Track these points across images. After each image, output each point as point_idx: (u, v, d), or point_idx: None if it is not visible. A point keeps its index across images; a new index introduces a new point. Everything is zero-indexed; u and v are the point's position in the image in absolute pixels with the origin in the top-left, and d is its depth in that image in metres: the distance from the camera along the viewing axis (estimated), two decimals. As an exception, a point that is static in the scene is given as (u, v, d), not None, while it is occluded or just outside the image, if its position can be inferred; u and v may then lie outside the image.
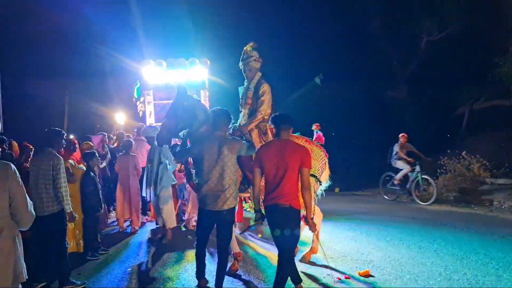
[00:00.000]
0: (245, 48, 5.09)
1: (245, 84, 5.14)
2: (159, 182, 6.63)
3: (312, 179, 4.56)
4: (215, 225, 4.12)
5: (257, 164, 3.83)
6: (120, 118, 13.90)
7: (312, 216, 3.90)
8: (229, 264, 4.69)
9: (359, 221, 8.08)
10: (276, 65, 16.68)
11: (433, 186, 9.89)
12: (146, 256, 5.97)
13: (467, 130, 15.62)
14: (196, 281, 4.49)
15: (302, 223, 4.02)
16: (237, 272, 4.92)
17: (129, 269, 5.31)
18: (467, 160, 11.27)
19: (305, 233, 5.13)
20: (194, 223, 7.12)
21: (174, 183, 7.03)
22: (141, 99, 10.40)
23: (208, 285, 4.26)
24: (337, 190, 12.22)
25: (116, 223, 8.12)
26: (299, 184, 3.71)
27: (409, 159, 10.37)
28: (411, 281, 4.50)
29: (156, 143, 4.92)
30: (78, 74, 19.22)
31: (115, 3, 18.79)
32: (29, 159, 5.25)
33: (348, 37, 17.97)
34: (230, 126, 4.55)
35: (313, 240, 5.28)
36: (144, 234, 7.44)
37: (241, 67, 5.10)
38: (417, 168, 10.20)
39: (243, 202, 5.64)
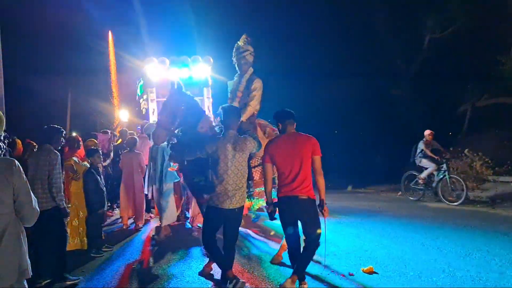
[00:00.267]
0: (239, 41, 5.05)
1: (236, 78, 5.09)
2: (163, 180, 6.65)
3: None
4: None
5: (268, 159, 3.99)
6: (123, 115, 13.95)
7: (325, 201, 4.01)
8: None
9: (362, 218, 8.10)
10: (279, 62, 16.71)
11: (463, 186, 9.33)
12: (150, 253, 5.98)
13: (470, 128, 15.60)
14: (201, 278, 4.57)
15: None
16: (239, 270, 4.93)
17: (133, 266, 5.32)
18: (469, 157, 11.27)
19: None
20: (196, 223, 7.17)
21: (177, 180, 7.05)
22: (144, 97, 10.42)
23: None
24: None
25: (119, 220, 8.15)
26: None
27: (436, 157, 9.87)
28: (415, 278, 4.52)
29: (152, 141, 4.91)
30: (81, 71, 19.25)
31: (119, 1, 18.80)
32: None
33: (352, 35, 17.95)
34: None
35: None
36: (148, 231, 7.46)
37: (235, 60, 5.05)
38: (444, 166, 9.72)
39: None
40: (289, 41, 18.56)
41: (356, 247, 5.85)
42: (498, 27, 14.32)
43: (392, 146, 16.84)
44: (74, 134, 7.58)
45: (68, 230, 5.88)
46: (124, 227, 7.70)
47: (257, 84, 4.93)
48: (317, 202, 3.99)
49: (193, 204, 7.37)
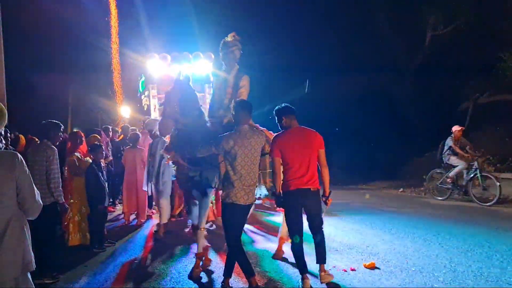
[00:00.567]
0: (227, 38, 5.01)
1: (223, 73, 5.03)
2: (161, 176, 6.64)
3: None
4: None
5: (278, 153, 4.10)
6: (125, 111, 13.96)
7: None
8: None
9: (364, 214, 8.13)
10: (281, 58, 16.70)
11: (496, 185, 8.70)
12: (152, 249, 5.99)
13: (472, 125, 15.56)
14: (203, 274, 4.58)
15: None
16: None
17: (135, 262, 5.35)
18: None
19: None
20: None
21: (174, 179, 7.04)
22: (146, 93, 10.41)
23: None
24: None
25: (121, 216, 8.18)
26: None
27: (466, 154, 9.31)
28: (416, 273, 4.53)
29: (158, 133, 4.85)
30: (83, 68, 19.25)
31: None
32: None
33: (353, 31, 17.91)
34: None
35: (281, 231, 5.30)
36: (150, 227, 7.48)
37: (222, 55, 5.00)
38: (475, 164, 9.22)
39: None
40: (291, 37, 18.54)
41: (358, 243, 5.87)
42: (500, 23, 14.27)
43: (393, 143, 16.84)
44: (75, 130, 7.58)
45: (70, 226, 5.92)
46: (126, 223, 7.73)
47: (245, 80, 4.91)
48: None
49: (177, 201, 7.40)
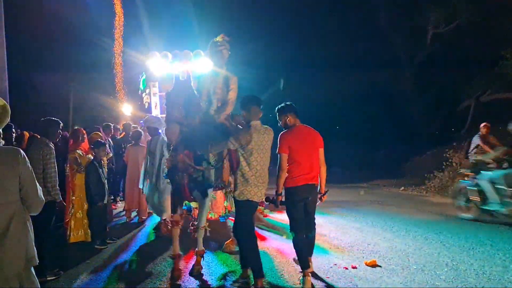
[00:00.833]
0: (217, 38, 4.93)
1: (211, 73, 4.89)
2: (161, 175, 6.61)
3: None
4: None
5: (287, 149, 4.15)
6: (126, 109, 13.98)
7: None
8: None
9: (365, 212, 8.12)
10: (282, 56, 16.68)
11: None
12: (153, 246, 5.99)
13: (473, 123, 15.53)
14: (204, 271, 4.58)
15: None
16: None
17: (137, 259, 5.35)
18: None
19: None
20: None
21: None
22: (147, 91, 10.40)
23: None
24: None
25: (122, 213, 8.18)
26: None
27: (495, 154, 8.31)
28: (418, 271, 4.53)
29: (164, 137, 4.73)
30: (84, 66, 19.26)
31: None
32: None
33: (354, 29, 17.89)
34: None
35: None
36: (151, 224, 7.48)
37: (210, 55, 4.85)
38: (505, 164, 8.12)
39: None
40: (292, 35, 18.52)
41: (359, 241, 5.87)
42: (502, 21, 14.22)
43: (394, 141, 16.83)
44: (76, 127, 7.58)
45: (72, 222, 5.92)
46: (127, 220, 7.73)
47: (234, 80, 4.88)
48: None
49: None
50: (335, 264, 4.78)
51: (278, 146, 4.20)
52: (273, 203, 4.18)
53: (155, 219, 7.86)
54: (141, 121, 9.79)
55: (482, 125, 8.88)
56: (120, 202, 9.36)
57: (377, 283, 4.19)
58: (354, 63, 18.21)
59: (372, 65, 17.89)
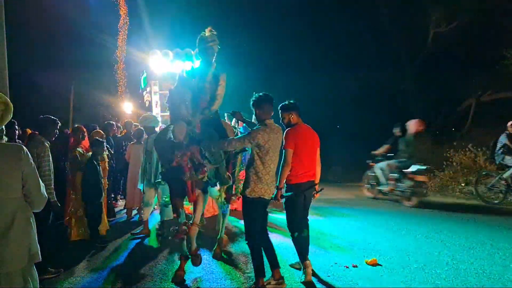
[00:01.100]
0: (204, 32, 4.85)
1: (200, 68, 4.84)
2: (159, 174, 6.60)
3: None
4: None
5: (293, 145, 4.22)
6: (127, 107, 13.99)
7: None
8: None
9: (365, 211, 8.13)
10: (283, 54, 16.67)
11: None
12: (154, 245, 6.00)
13: (474, 123, 15.54)
14: (206, 269, 4.57)
15: None
16: (243, 261, 4.96)
17: (138, 257, 5.35)
18: (473, 152, 11.25)
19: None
20: None
21: None
22: (148, 89, 10.43)
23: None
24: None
25: (123, 212, 8.19)
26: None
27: None
28: (418, 270, 4.53)
29: (172, 137, 4.52)
30: (85, 64, 19.26)
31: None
32: None
33: (355, 28, 17.86)
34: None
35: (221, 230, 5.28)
36: (152, 223, 7.47)
37: (200, 51, 4.75)
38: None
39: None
40: (293, 34, 18.50)
41: (359, 240, 5.87)
42: (504, 21, 14.21)
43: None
44: (77, 125, 7.56)
45: (73, 220, 5.94)
46: (128, 218, 7.74)
47: (223, 76, 4.85)
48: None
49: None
50: (336, 263, 4.79)
51: (284, 142, 4.22)
52: (272, 198, 4.17)
53: (156, 217, 7.87)
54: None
55: (509, 123, 8.53)
56: (120, 200, 9.37)
57: (378, 282, 4.19)
58: (355, 62, 18.18)
59: (373, 64, 17.87)
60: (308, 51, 18.66)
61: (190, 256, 4.49)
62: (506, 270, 4.50)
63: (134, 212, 8.04)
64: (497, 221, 6.95)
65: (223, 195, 5.10)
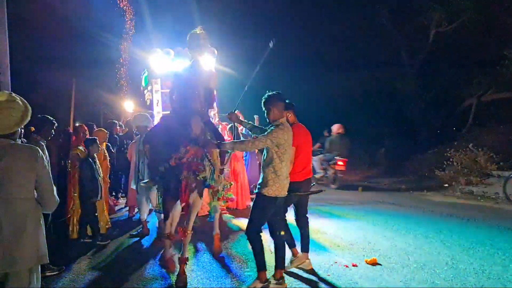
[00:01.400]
0: (195, 30, 4.78)
1: (191, 67, 4.69)
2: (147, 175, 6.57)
3: None
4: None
5: (296, 143, 4.29)
6: (128, 106, 14.00)
7: None
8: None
9: (365, 211, 8.13)
10: (283, 54, 16.64)
11: None
12: (155, 244, 5.98)
13: (475, 122, 15.53)
14: (206, 267, 4.58)
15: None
16: (243, 260, 4.97)
17: (138, 256, 5.36)
18: (474, 152, 11.25)
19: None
20: None
21: None
22: (149, 88, 10.41)
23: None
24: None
25: (124, 210, 8.20)
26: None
27: None
28: (418, 269, 4.55)
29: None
30: (86, 62, 19.25)
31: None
32: None
33: (356, 27, 17.84)
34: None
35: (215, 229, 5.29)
36: (152, 221, 7.49)
37: (191, 49, 4.65)
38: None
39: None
40: (293, 33, 18.48)
41: (359, 239, 5.88)
42: (505, 21, 14.19)
43: (396, 140, 16.82)
44: (77, 124, 7.58)
45: (74, 219, 5.95)
46: (130, 216, 7.75)
47: (214, 76, 4.85)
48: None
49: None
50: (336, 262, 4.80)
51: None
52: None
53: (156, 217, 7.88)
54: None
55: None
56: (121, 198, 9.39)
57: (378, 281, 4.21)
58: (356, 62, 18.17)
59: (374, 63, 17.87)
60: (308, 51, 18.64)
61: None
62: (505, 270, 4.52)
63: (136, 210, 8.05)
64: (497, 221, 6.96)
65: (216, 200, 5.03)
